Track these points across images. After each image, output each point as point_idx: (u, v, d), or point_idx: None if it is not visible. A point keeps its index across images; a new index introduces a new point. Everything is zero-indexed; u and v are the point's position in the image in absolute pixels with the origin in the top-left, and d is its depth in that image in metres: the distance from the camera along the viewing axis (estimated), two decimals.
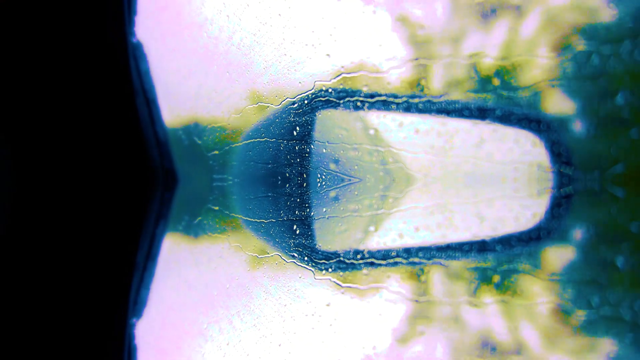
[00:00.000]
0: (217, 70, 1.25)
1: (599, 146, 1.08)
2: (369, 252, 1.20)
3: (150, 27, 1.27)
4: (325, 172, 1.21)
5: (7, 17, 1.19)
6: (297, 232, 1.24)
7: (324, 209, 1.23)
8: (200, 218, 1.35)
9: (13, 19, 1.19)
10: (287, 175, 1.23)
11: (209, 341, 1.24)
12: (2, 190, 1.22)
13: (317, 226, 1.23)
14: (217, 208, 1.34)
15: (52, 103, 1.22)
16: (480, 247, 1.16)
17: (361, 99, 1.19)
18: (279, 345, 1.21)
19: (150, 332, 1.26)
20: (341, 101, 1.19)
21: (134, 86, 1.26)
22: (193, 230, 1.35)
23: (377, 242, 1.20)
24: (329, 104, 1.20)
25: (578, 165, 1.10)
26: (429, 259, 1.17)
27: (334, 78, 1.19)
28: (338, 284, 1.20)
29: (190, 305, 1.28)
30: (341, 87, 1.19)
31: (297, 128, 1.22)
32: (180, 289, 1.30)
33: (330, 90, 1.20)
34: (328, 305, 1.20)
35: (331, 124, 1.21)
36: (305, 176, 1.22)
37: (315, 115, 1.21)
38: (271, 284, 1.24)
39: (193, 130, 1.31)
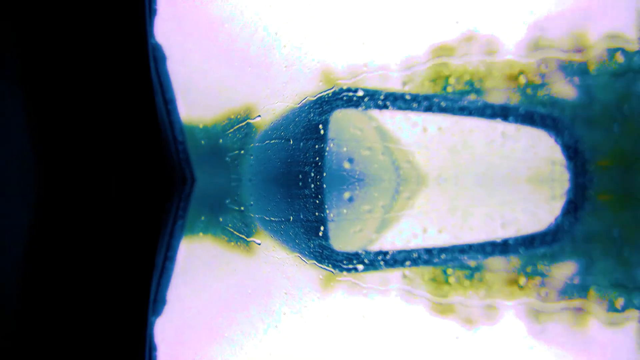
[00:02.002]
0: (237, 68, 1.26)
1: (620, 145, 1.08)
2: (391, 253, 1.20)
3: (170, 26, 1.27)
4: (339, 171, 1.21)
5: (24, 17, 1.20)
6: (316, 232, 1.24)
7: (340, 210, 1.23)
8: (221, 219, 1.36)
9: (30, 19, 1.20)
10: (304, 174, 1.24)
11: (229, 342, 1.24)
12: (26, 189, 1.23)
13: (331, 227, 1.23)
14: (235, 208, 1.34)
15: (68, 105, 1.24)
16: (502, 248, 1.15)
17: (382, 97, 1.19)
18: (301, 346, 1.21)
19: (170, 331, 1.26)
20: (363, 100, 1.19)
21: (153, 86, 1.26)
22: (211, 231, 1.35)
23: (393, 242, 1.21)
24: (349, 103, 1.20)
25: (596, 165, 1.10)
26: (450, 260, 1.17)
27: (355, 77, 1.19)
28: (359, 285, 1.20)
29: (209, 306, 1.29)
30: (362, 86, 1.19)
31: (315, 127, 1.23)
32: (199, 291, 1.31)
33: (350, 89, 1.20)
34: (346, 305, 1.21)
35: (346, 124, 1.21)
36: (320, 175, 1.22)
37: (331, 115, 1.21)
38: (291, 285, 1.24)
39: (211, 129, 1.31)
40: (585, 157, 1.11)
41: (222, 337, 1.25)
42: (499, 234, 1.15)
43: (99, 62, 1.23)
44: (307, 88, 1.23)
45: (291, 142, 1.25)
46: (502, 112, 1.14)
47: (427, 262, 1.18)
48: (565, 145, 1.12)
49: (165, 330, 1.26)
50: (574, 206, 1.12)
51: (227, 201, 1.34)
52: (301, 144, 1.24)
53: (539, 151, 1.13)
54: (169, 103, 1.30)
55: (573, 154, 1.12)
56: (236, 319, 1.26)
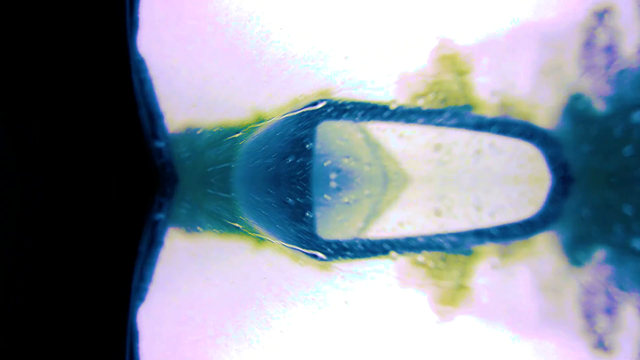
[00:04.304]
0: (219, 82, 1.26)
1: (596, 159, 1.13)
2: (368, 240, 1.24)
3: (152, 38, 1.26)
4: (325, 183, 1.24)
5: (8, 29, 1.21)
6: (299, 219, 1.26)
7: (326, 206, 1.26)
8: (200, 207, 1.35)
9: (14, 31, 1.21)
10: (288, 187, 1.25)
11: (210, 329, 1.24)
12: (8, 189, 1.25)
13: (317, 214, 1.25)
14: (222, 195, 1.33)
15: (53, 115, 1.25)
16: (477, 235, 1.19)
17: (361, 112, 1.22)
18: (281, 331, 1.23)
19: (153, 319, 1.26)
20: (342, 114, 1.22)
21: (135, 96, 1.27)
22: (195, 221, 1.35)
23: (376, 230, 1.23)
24: (329, 117, 1.23)
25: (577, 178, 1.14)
26: (429, 247, 1.20)
27: (334, 92, 1.23)
28: (339, 269, 1.23)
29: (190, 294, 1.28)
30: (341, 100, 1.22)
31: (298, 141, 1.25)
32: (181, 280, 1.30)
33: (331, 103, 1.23)
34: (328, 291, 1.23)
35: (332, 136, 1.24)
36: (305, 187, 1.24)
37: (316, 128, 1.23)
38: (271, 271, 1.25)
39: (195, 140, 1.31)
40: (566, 170, 1.15)
41: (201, 324, 1.25)
42: (485, 222, 1.18)
43: (80, 70, 1.24)
44: (287, 102, 1.24)
45: (273, 156, 1.26)
46: (485, 125, 1.16)
47: (409, 249, 1.20)
48: (548, 157, 1.15)
49: (147, 318, 1.25)
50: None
51: (208, 196, 1.34)
52: (282, 158, 1.25)
53: (522, 163, 1.16)
54: (153, 113, 1.29)
55: (556, 166, 1.15)
56: (218, 307, 1.26)
